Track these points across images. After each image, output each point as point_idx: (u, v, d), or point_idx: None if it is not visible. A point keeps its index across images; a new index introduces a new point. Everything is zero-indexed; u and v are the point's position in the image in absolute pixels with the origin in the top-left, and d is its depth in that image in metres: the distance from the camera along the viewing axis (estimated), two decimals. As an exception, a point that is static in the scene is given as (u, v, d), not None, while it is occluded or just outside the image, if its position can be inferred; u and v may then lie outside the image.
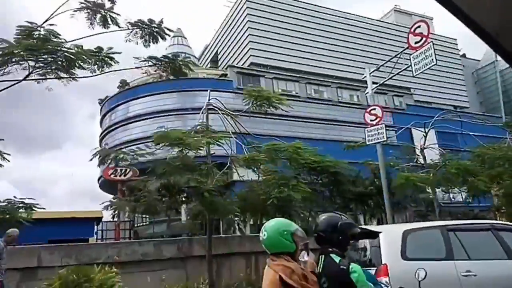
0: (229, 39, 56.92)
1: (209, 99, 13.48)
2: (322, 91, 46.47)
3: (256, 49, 50.33)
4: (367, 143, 12.04)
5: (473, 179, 13.95)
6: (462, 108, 56.29)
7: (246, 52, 51.01)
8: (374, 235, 5.41)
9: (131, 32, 11.61)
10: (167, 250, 12.16)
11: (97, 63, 11.14)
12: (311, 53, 52.61)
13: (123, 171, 29.30)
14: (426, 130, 17.24)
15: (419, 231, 6.21)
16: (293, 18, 53.72)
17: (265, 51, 50.37)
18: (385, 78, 13.46)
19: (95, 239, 29.51)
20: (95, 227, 30.23)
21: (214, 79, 41.85)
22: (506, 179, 14.61)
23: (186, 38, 54.14)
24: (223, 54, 59.41)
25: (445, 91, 59.78)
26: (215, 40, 63.49)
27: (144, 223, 38.68)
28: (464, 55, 69.56)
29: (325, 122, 42.88)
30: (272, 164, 12.78)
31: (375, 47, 55.17)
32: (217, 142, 12.03)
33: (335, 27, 56.25)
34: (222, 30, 60.61)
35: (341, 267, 2.80)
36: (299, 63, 50.72)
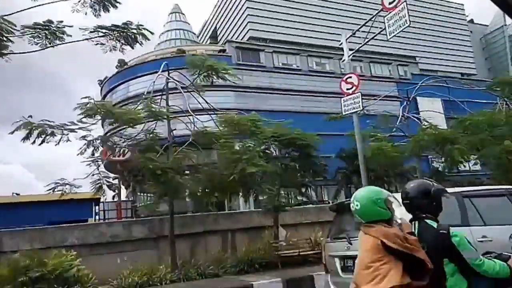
0: (228, 13, 55.82)
1: (168, 74, 13.00)
2: (324, 63, 45.40)
3: (255, 23, 49.23)
4: (343, 113, 11.54)
5: (451, 147, 13.14)
6: (470, 75, 54.83)
7: (245, 26, 49.98)
8: None
9: (79, 1, 11.04)
10: (138, 231, 11.89)
11: (48, 37, 10.68)
12: (312, 24, 51.30)
13: (121, 151, 29.20)
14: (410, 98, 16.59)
15: None
16: (292, -11, 52.33)
17: (264, 24, 49.23)
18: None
19: (94, 219, 29.75)
20: (94, 207, 30.44)
21: (212, 55, 41.10)
22: (488, 145, 13.73)
23: (184, 14, 53.26)
24: (222, 30, 58.41)
25: (452, 58, 58.19)
26: (214, 16, 62.39)
27: (149, 202, 38.70)
28: (471, 21, 67.40)
29: (328, 95, 41.96)
30: (241, 138, 12.35)
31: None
32: (159, 118, 11.77)
33: (336, -3, 54.73)
34: (220, 4, 59.42)
35: (441, 231, 2.78)
36: (300, 35, 49.49)
